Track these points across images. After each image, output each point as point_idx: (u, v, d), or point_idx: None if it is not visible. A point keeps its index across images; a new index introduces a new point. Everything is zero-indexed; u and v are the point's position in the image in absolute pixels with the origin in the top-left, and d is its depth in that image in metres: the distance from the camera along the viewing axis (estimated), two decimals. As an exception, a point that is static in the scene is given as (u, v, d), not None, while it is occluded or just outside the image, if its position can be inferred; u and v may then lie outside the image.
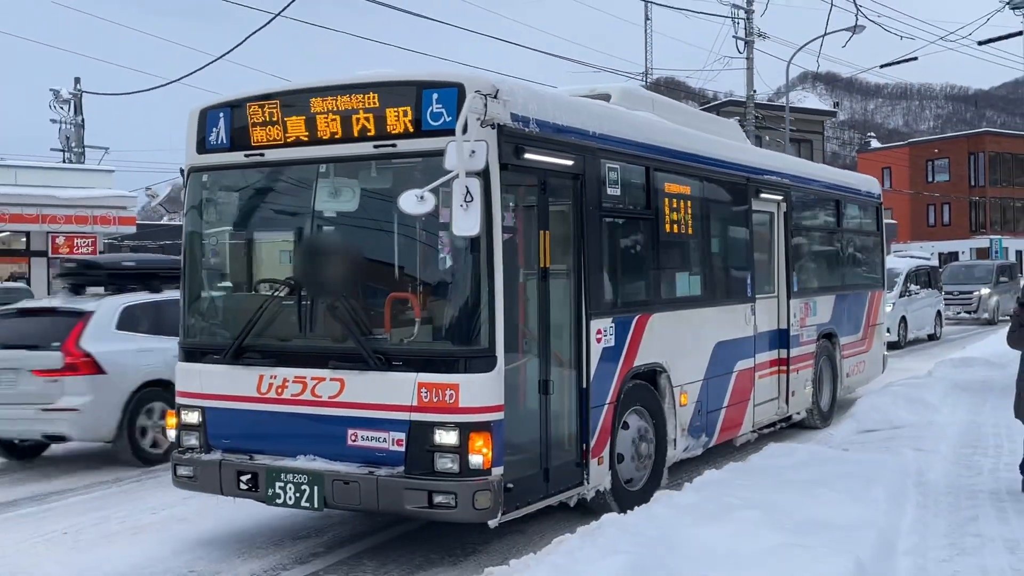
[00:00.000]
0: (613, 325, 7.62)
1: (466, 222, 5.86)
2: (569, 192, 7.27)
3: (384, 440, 6.40)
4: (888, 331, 23.11)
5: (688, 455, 9.04)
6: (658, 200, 8.44)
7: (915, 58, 31.94)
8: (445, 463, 6.22)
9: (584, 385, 7.26)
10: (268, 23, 17.70)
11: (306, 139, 6.84)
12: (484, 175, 6.18)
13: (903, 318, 23.81)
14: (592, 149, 7.43)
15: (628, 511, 6.95)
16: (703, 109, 48.99)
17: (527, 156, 6.64)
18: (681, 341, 8.71)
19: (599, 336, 7.42)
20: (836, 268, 13.31)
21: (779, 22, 33.19)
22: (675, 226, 8.73)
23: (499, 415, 6.25)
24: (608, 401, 7.54)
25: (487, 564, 6.46)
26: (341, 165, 6.84)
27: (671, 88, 67.53)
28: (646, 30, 52.99)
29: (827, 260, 13.17)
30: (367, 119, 6.60)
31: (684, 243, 9.07)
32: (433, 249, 6.56)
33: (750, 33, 31.19)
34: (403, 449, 6.33)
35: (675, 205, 8.73)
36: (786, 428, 11.69)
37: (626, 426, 7.95)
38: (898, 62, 32.81)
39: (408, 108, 6.45)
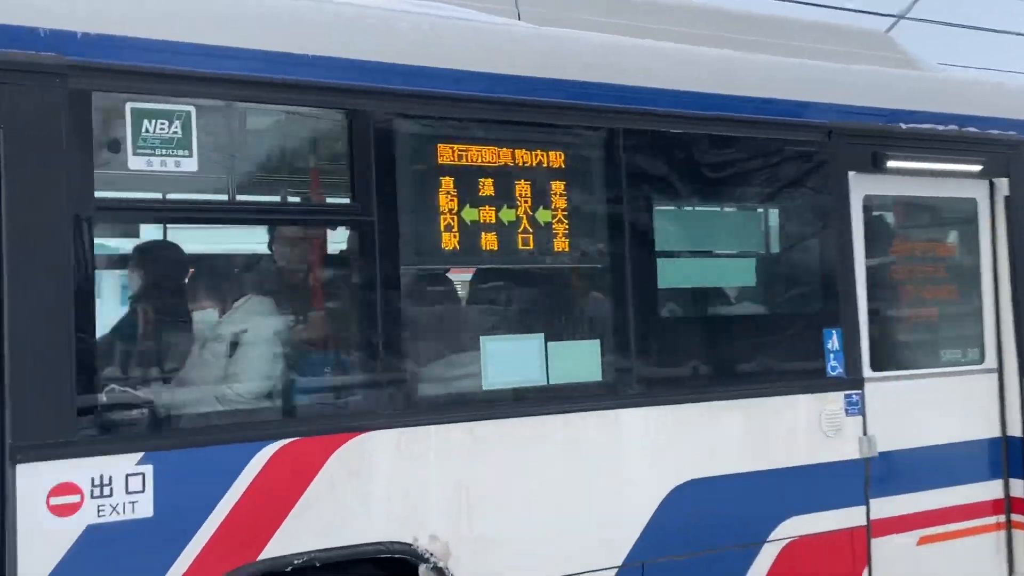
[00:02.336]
0: (147, 471, 3.29)
1: None
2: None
3: None
4: None
5: None
6: (414, 178, 3.82)
7: None
8: None
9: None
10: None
11: None
12: None
13: None
14: (55, 66, 3.22)
15: None
16: None
17: None
18: (509, 486, 3.94)
19: (61, 502, 3.17)
20: None
21: None
22: (492, 237, 3.98)
23: None
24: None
25: None
26: None
27: None
28: None
29: None
30: None
31: (529, 275, 4.18)
32: None
33: None
34: None
35: (494, 188, 3.98)
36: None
37: None
38: None
39: None
